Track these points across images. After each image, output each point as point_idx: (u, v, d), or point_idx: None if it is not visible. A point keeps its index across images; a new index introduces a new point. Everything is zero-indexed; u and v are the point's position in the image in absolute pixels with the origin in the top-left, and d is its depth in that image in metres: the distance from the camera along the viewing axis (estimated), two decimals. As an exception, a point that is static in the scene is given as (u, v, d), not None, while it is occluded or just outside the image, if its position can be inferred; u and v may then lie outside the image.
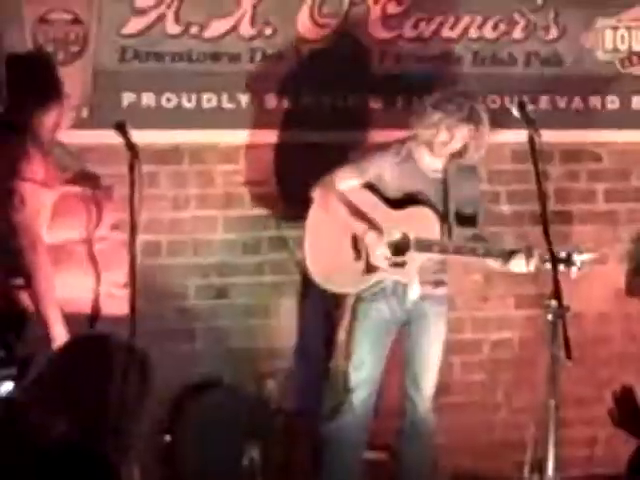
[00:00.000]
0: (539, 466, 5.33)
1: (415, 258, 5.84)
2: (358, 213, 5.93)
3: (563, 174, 7.00)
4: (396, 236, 5.84)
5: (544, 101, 6.89)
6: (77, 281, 5.05)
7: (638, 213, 7.24)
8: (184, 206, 6.36)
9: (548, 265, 5.55)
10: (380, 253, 5.79)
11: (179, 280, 6.23)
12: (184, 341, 6.17)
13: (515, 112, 5.54)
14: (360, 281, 5.93)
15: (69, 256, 5.07)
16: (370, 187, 5.92)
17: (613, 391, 3.94)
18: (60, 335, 4.82)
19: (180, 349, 6.04)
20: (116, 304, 4.87)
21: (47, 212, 5.06)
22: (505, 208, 6.91)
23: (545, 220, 5.38)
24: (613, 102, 7.08)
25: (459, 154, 5.88)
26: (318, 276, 6.09)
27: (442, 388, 6.44)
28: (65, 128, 5.21)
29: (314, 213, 6.07)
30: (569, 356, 5.18)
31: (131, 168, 4.71)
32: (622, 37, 7.11)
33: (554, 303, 5.31)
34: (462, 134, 5.81)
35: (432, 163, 5.91)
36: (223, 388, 6.38)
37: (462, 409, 6.81)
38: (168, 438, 6.04)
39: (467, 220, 5.99)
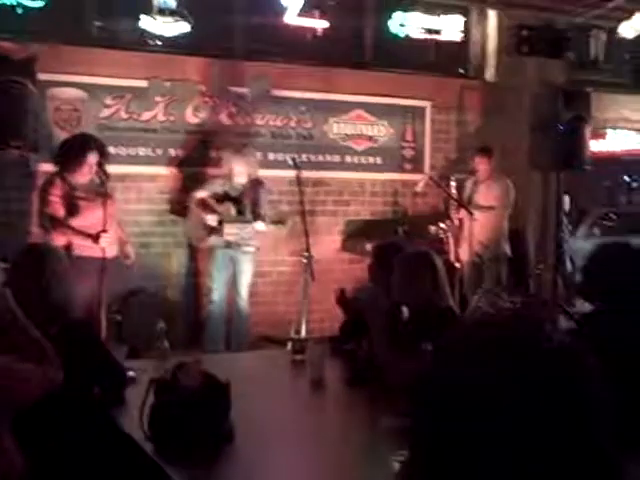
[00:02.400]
0: (298, 330, 5.87)
1: (231, 227, 6.19)
2: (207, 207, 6.24)
3: (312, 192, 7.20)
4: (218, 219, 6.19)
5: (304, 157, 7.18)
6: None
7: (348, 212, 7.54)
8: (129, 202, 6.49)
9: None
10: (213, 222, 6.16)
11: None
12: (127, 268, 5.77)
13: (290, 162, 6.27)
14: (206, 240, 6.30)
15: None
16: (212, 195, 6.24)
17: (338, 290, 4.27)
18: None
19: (126, 273, 5.74)
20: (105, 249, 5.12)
21: (63, 206, 5.16)
22: (284, 208, 6.92)
23: (303, 213, 6.01)
24: (337, 158, 7.47)
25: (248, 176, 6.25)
26: (191, 238, 6.52)
27: (253, 293, 6.70)
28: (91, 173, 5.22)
29: (190, 209, 6.37)
30: (313, 279, 5.88)
31: (103, 183, 5.16)
32: (341, 127, 7.47)
33: (307, 254, 5.93)
34: (239, 166, 6.22)
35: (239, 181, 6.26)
36: (146, 292, 6.58)
37: (263, 304, 7.03)
38: (119, 317, 6.09)
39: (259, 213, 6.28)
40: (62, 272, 3.10)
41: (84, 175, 5.25)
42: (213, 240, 6.30)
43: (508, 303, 6.65)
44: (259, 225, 6.24)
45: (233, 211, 6.28)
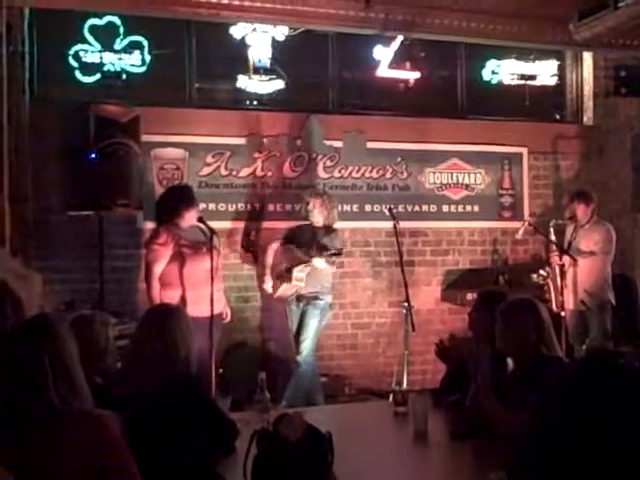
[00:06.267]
0: (399, 382, 5.65)
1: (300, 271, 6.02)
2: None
3: (410, 242, 7.17)
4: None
5: (400, 207, 7.03)
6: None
7: (446, 262, 7.37)
8: (229, 257, 6.57)
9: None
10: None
11: (229, 294, 5.94)
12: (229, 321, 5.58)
13: (387, 212, 6.14)
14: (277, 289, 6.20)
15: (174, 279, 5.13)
16: (289, 241, 6.21)
17: (436, 342, 4.15)
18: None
19: (227, 326, 5.59)
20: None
21: (164, 258, 5.11)
22: (382, 259, 7.04)
23: (401, 264, 5.95)
24: (433, 208, 7.33)
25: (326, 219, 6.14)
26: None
27: (352, 345, 6.82)
28: (192, 222, 5.21)
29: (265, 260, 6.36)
30: (413, 329, 5.74)
31: (211, 238, 5.06)
32: (437, 176, 7.36)
33: (406, 304, 5.80)
34: (314, 205, 6.13)
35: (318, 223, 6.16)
36: (248, 346, 6.65)
37: (363, 356, 7.01)
38: (221, 370, 6.14)
39: (327, 248, 6.00)
40: (185, 330, 3.13)
41: (186, 224, 5.19)
42: (285, 290, 6.16)
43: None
44: (317, 262, 5.99)
45: (300, 253, 6.11)
